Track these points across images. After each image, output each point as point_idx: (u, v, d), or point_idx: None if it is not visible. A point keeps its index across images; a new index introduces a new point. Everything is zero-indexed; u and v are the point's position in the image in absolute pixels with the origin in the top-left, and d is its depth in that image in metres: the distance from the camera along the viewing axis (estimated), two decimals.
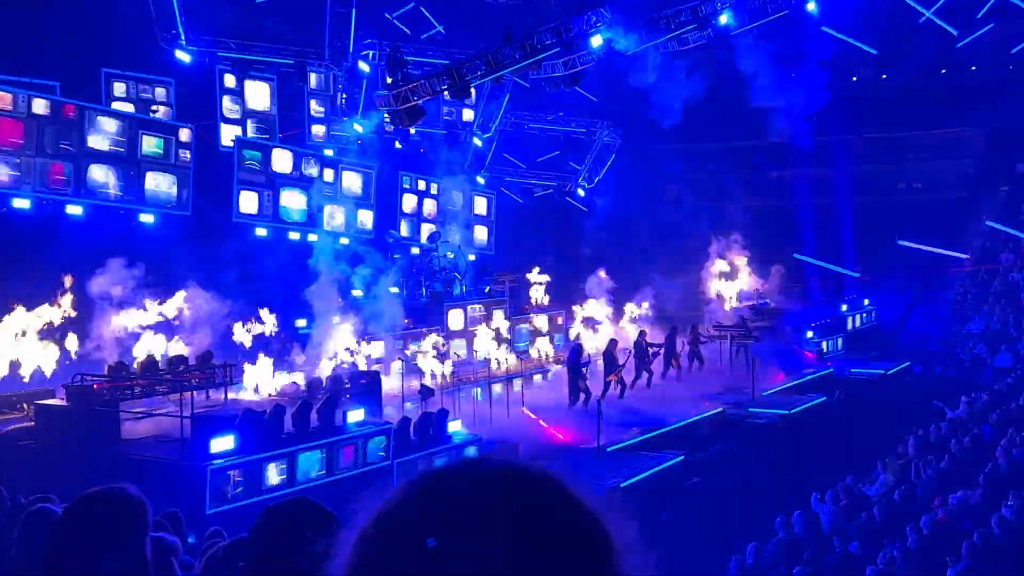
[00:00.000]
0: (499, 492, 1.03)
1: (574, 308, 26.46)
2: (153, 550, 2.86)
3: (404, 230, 28.84)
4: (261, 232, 24.89)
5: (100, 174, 21.49)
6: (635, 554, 1.06)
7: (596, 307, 25.80)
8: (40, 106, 20.36)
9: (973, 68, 34.99)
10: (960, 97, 33.89)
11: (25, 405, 16.38)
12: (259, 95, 25.43)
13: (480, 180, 31.56)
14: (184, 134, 23.12)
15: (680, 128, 33.56)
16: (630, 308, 26.08)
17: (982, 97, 33.56)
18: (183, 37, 23.57)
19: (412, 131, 26.07)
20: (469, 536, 0.98)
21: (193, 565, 4.71)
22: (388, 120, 23.52)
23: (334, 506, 2.38)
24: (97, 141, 21.39)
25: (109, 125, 21.73)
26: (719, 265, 30.07)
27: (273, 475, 13.36)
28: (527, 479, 1.05)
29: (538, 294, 27.54)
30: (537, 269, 27.51)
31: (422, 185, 29.62)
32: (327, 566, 1.06)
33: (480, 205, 31.43)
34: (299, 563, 2.19)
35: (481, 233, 31.46)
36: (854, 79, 36.20)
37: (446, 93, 21.47)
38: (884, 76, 36.17)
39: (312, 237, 25.19)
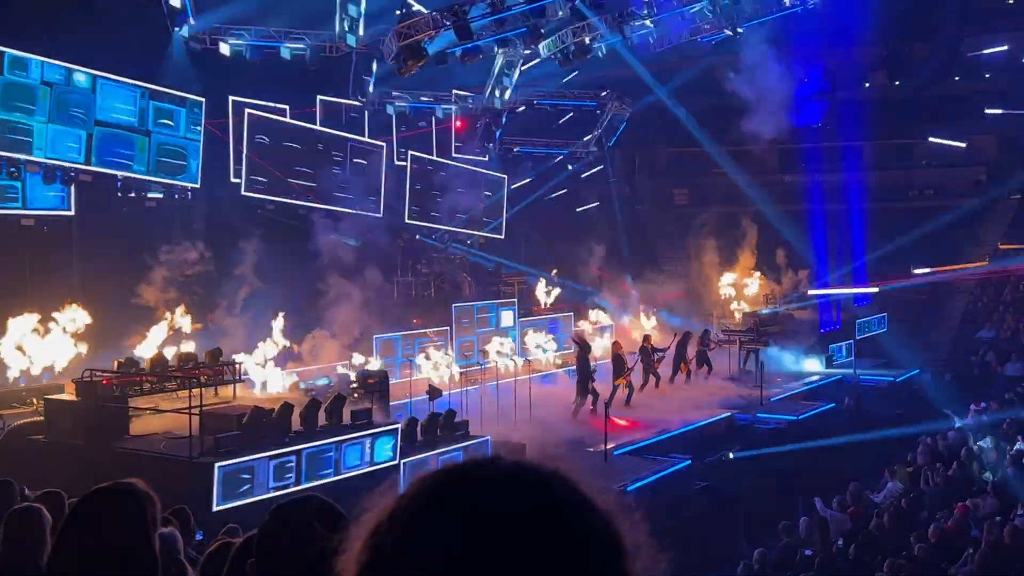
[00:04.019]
0: (511, 491, 1.03)
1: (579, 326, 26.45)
2: (160, 545, 2.87)
3: (415, 210, 28.50)
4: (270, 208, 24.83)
5: (112, 143, 21.33)
6: (646, 554, 1.06)
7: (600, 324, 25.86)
8: (53, 74, 20.16)
9: (987, 76, 34.89)
10: (972, 104, 33.79)
11: (35, 400, 16.45)
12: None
13: (491, 154, 31.29)
14: (194, 106, 22.92)
15: (689, 131, 33.71)
16: (640, 319, 26.07)
17: (995, 104, 33.46)
18: (192, 23, 23.41)
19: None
20: (481, 534, 0.99)
21: (198, 560, 4.72)
22: (392, 61, 23.16)
23: (342, 506, 2.38)
24: (108, 110, 21.19)
25: (121, 95, 21.52)
26: (729, 270, 30.06)
27: (281, 473, 13.37)
28: (539, 478, 1.05)
29: (545, 296, 27.59)
30: (544, 280, 27.57)
31: (432, 166, 29.29)
32: (338, 561, 1.06)
33: (491, 189, 31.11)
34: (308, 560, 2.20)
35: (492, 218, 31.13)
36: (866, 85, 36.14)
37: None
38: (896, 82, 36.08)
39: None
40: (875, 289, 30.59)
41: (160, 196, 22.60)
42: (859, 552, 11.70)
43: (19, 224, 20.57)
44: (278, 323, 19.01)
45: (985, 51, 33.32)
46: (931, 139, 35.66)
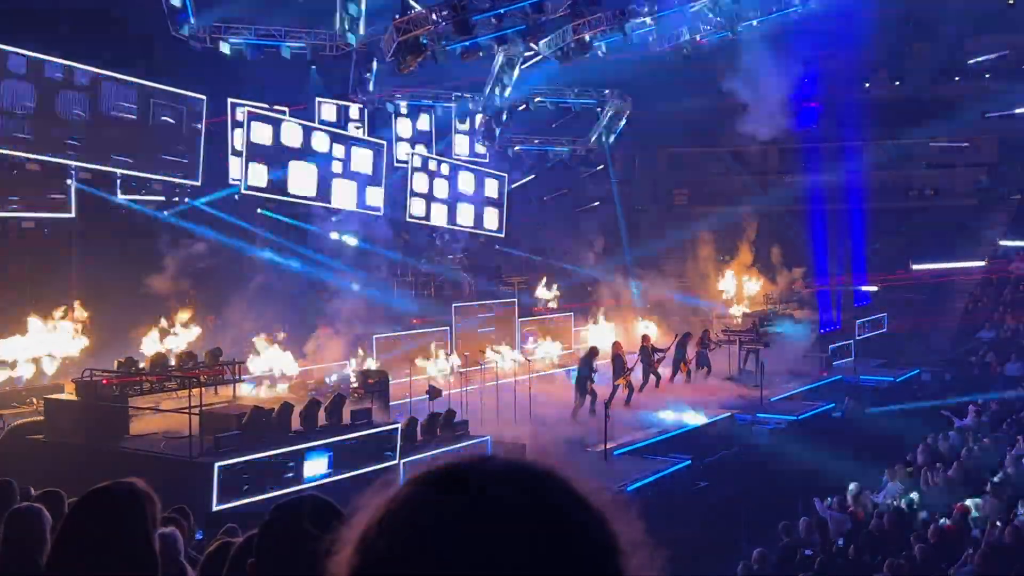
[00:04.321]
0: (505, 490, 1.03)
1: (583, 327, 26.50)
2: (160, 545, 2.87)
3: (416, 209, 28.45)
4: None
5: (114, 140, 21.16)
6: (642, 554, 1.06)
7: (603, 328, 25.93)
8: (53, 71, 20.03)
9: (987, 76, 34.88)
10: (973, 105, 33.78)
11: (35, 399, 16.45)
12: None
13: (491, 152, 31.22)
14: (195, 103, 22.78)
15: (689, 131, 33.69)
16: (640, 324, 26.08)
17: (995, 105, 33.46)
18: (193, 23, 23.35)
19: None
20: (473, 535, 0.98)
21: (198, 560, 4.72)
22: (391, 58, 23.10)
23: (341, 505, 2.38)
24: (109, 108, 21.01)
25: (122, 92, 21.38)
26: (729, 270, 30.05)
27: (280, 473, 13.37)
28: (533, 478, 1.05)
29: (547, 296, 27.60)
30: (545, 280, 27.56)
31: (432, 164, 29.27)
32: (331, 562, 1.05)
33: (491, 187, 31.05)
34: (308, 559, 2.20)
35: (492, 216, 31.10)
36: (867, 85, 36.14)
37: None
38: (897, 83, 36.09)
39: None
40: (874, 288, 30.61)
41: (161, 199, 22.58)
42: (859, 552, 11.71)
43: (19, 228, 20.56)
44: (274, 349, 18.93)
45: (985, 57, 33.27)
46: (932, 144, 35.65)
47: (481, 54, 24.72)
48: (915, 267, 31.25)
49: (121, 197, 21.99)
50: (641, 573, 1.05)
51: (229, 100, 23.81)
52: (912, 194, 36.24)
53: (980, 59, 33.31)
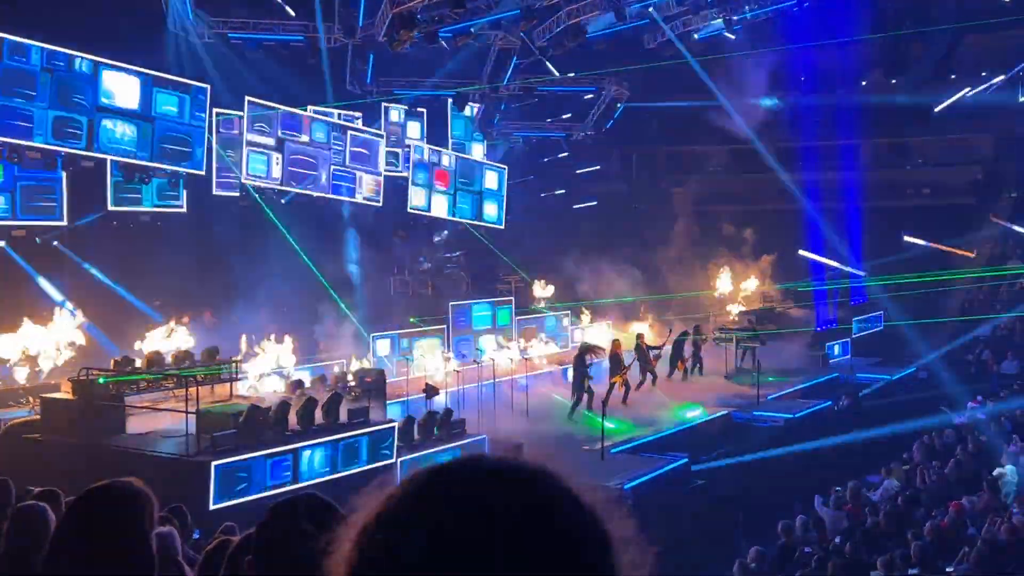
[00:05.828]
0: (499, 489, 1.04)
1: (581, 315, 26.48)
2: (158, 544, 2.87)
3: (417, 199, 28.34)
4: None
5: (114, 129, 21.06)
6: (634, 552, 1.07)
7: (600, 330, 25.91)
8: (55, 60, 19.87)
9: (983, 74, 34.90)
10: (969, 103, 33.81)
11: (31, 398, 16.41)
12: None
13: (484, 143, 31.16)
14: (198, 93, 22.67)
15: (686, 130, 33.68)
16: (635, 324, 26.06)
17: (992, 103, 33.48)
18: (191, 17, 23.30)
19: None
20: (468, 533, 0.99)
21: (196, 559, 4.71)
22: (384, 38, 22.99)
23: (338, 504, 2.39)
24: (110, 96, 20.90)
25: (124, 81, 21.28)
26: (725, 268, 30.07)
27: (278, 472, 13.37)
28: (524, 475, 1.06)
29: (544, 294, 27.57)
30: (543, 281, 27.57)
31: (432, 156, 29.18)
32: (329, 560, 1.06)
33: (491, 179, 31.01)
34: (306, 557, 2.20)
35: (491, 208, 31.05)
36: (864, 83, 36.15)
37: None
38: (893, 81, 36.09)
39: None
40: (862, 274, 30.64)
41: (154, 209, 22.55)
42: (856, 550, 11.72)
43: (10, 234, 20.48)
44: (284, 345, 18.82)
45: (984, 86, 33.31)
46: (929, 141, 35.69)
47: (472, 31, 24.30)
48: (907, 239, 31.24)
49: (115, 208, 21.95)
50: (633, 570, 1.06)
51: (229, 88, 23.83)
52: (909, 192, 36.26)
53: (975, 56, 33.33)
